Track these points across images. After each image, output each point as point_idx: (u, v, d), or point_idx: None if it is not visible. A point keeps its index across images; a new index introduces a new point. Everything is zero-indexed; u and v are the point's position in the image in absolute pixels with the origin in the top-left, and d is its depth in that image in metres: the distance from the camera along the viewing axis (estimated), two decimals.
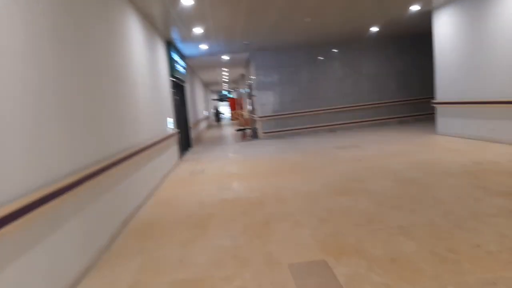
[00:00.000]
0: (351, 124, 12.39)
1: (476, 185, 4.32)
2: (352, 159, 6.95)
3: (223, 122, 29.40)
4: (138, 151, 5.02)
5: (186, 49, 10.39)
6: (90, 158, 3.44)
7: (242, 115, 23.44)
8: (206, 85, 26.31)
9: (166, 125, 7.85)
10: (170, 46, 9.05)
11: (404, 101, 12.38)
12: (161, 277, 2.83)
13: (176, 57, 9.75)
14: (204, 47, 10.30)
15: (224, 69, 16.99)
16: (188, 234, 3.79)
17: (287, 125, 12.34)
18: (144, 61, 6.42)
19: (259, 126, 12.61)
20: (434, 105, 8.87)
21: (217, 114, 29.43)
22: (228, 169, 7.40)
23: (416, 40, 12.23)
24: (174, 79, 9.75)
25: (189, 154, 10.36)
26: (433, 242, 2.87)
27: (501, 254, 2.52)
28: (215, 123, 29.00)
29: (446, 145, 7.36)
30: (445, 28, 8.26)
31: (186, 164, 8.62)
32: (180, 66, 10.50)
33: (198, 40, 9.32)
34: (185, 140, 11.03)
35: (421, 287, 2.22)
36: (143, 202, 5.20)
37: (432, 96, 11.80)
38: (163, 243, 3.61)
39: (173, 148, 8.38)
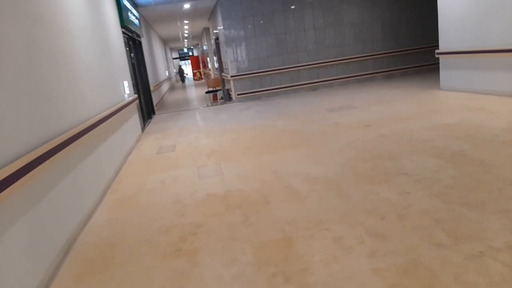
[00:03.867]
0: (334, 81, 11.04)
1: None
2: (357, 125, 5.67)
3: (187, 82, 27.38)
4: (81, 131, 3.44)
5: None
6: None
7: (208, 74, 21.55)
8: (165, 42, 23.84)
9: (123, 90, 6.15)
10: None
11: (391, 52, 11.09)
12: None
13: (127, 3, 7.79)
14: None
15: (185, 21, 14.89)
16: (168, 272, 2.38)
17: (263, 84, 10.80)
18: (82, 7, 4.61)
19: (231, 86, 11.02)
20: (439, 55, 7.66)
21: (181, 74, 27.26)
22: (205, 143, 5.92)
23: None
24: (128, 33, 7.86)
25: (153, 124, 8.71)
26: None
27: None
28: (178, 84, 26.99)
29: (463, 103, 6.23)
30: None
31: (150, 137, 7.02)
32: (133, 16, 8.54)
33: None
34: (146, 106, 9.32)
35: None
36: (96, 202, 3.69)
37: (422, 47, 10.72)
38: None
39: (134, 118, 6.73)
